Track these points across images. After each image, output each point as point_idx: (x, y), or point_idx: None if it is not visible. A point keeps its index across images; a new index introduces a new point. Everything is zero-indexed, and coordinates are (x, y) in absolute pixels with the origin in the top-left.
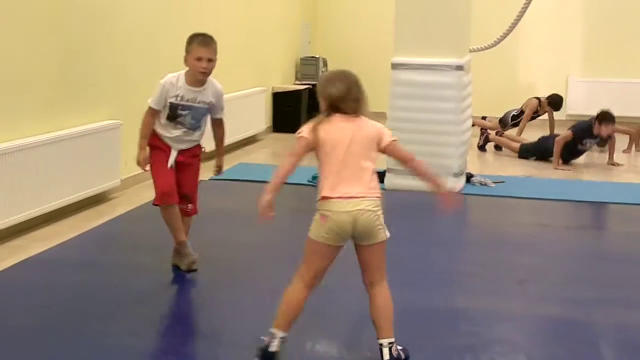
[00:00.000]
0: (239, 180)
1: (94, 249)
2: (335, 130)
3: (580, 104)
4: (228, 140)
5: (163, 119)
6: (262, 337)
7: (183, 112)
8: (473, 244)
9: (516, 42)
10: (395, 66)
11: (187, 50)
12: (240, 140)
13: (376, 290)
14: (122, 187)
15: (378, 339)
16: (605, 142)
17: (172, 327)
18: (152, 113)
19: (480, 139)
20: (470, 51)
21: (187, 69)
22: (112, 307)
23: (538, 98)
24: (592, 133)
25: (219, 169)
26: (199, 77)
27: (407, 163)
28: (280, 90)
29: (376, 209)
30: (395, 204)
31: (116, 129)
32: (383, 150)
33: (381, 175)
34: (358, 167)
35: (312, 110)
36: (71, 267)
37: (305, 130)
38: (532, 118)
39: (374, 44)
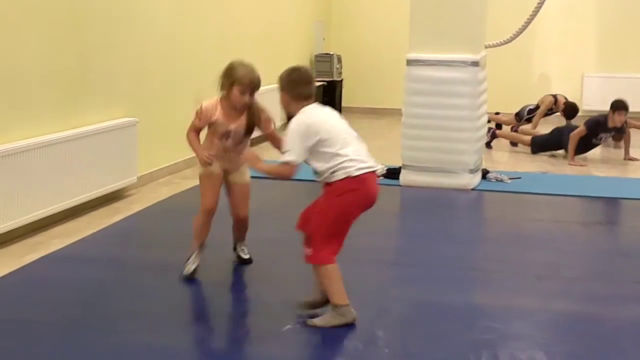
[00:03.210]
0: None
1: (112, 246)
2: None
3: (596, 100)
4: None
5: None
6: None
7: None
8: (489, 240)
9: (532, 38)
10: (410, 62)
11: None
12: (256, 137)
13: None
14: (138, 184)
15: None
16: (621, 136)
17: (190, 324)
18: None
19: (487, 135)
20: (486, 47)
21: None
22: (131, 303)
23: (554, 95)
24: (606, 127)
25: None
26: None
27: None
28: None
29: None
30: (411, 200)
31: (133, 127)
32: None
33: (396, 172)
34: None
35: (328, 106)
36: (90, 264)
37: None
38: (547, 114)
39: (388, 41)
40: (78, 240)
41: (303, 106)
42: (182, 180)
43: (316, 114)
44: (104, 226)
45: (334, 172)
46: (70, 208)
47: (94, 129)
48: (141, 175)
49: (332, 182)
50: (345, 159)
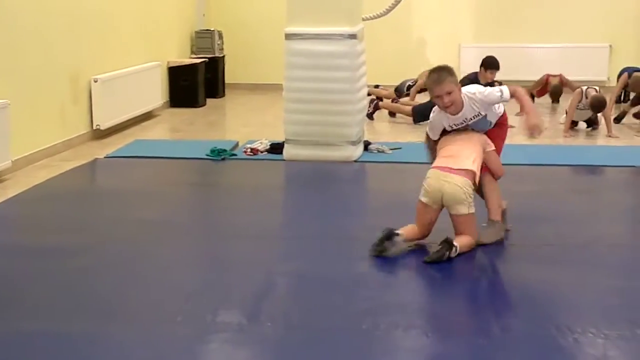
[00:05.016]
0: (135, 157)
1: None
2: None
3: (474, 69)
4: (123, 117)
5: None
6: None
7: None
8: (371, 210)
9: (409, 10)
10: (288, 36)
11: None
12: (137, 117)
13: None
14: (13, 169)
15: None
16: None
17: (77, 307)
18: None
19: (369, 106)
20: (363, 20)
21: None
22: (13, 290)
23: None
24: (479, 83)
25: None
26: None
27: None
28: (176, 65)
29: None
30: (295, 174)
31: (4, 109)
32: None
33: (280, 147)
34: None
35: (211, 84)
36: None
37: None
38: (423, 90)
39: (268, 16)
40: None
41: None
42: (62, 162)
43: None
44: None
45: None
46: None
47: None
48: (16, 159)
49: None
50: None
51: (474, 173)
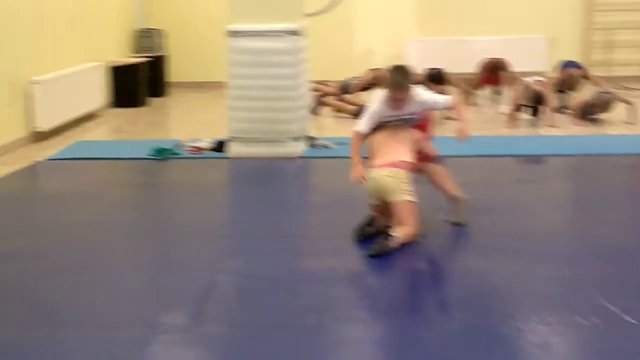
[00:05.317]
0: (77, 159)
1: None
2: None
3: (419, 64)
4: (64, 119)
5: None
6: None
7: None
8: (315, 206)
9: (354, 6)
10: (230, 34)
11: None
12: (78, 118)
13: None
14: None
15: None
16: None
17: (21, 312)
18: None
19: (313, 102)
20: (306, 16)
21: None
22: None
23: (376, 69)
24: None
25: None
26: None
27: None
28: (117, 65)
29: None
30: (239, 172)
31: None
32: None
33: (224, 144)
34: None
35: (153, 84)
36: None
37: None
38: (366, 89)
39: (211, 13)
40: None
41: None
42: (0, 166)
43: None
44: None
45: None
46: None
47: None
48: None
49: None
50: None
51: (409, 163)
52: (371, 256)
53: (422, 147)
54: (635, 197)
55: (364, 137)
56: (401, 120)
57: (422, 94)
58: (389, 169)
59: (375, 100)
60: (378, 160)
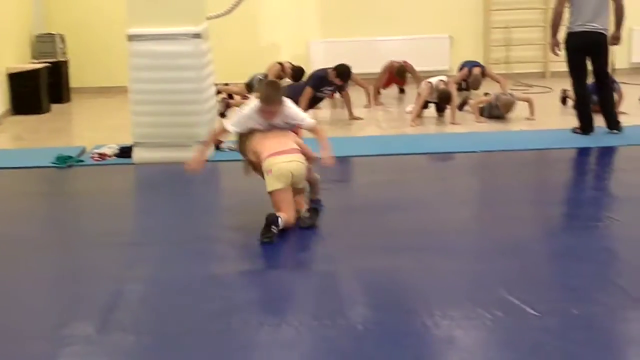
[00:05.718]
0: None
1: None
2: None
3: (323, 64)
4: None
5: None
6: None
7: None
8: (225, 210)
9: (257, 7)
10: (131, 38)
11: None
12: None
13: None
14: None
15: None
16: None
17: None
18: None
19: (221, 105)
20: (208, 18)
21: None
22: None
23: (281, 63)
24: (328, 81)
25: None
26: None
27: None
28: (16, 71)
29: None
30: (145, 178)
31: None
32: None
33: (129, 150)
34: None
35: (55, 90)
36: None
37: None
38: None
39: (112, 17)
40: None
41: None
42: None
43: None
44: None
45: None
46: None
47: None
48: None
49: None
50: None
51: (300, 150)
52: (306, 228)
53: (302, 147)
54: (536, 191)
55: (227, 136)
56: (273, 127)
57: (291, 108)
58: (293, 154)
59: (249, 106)
60: (267, 151)
